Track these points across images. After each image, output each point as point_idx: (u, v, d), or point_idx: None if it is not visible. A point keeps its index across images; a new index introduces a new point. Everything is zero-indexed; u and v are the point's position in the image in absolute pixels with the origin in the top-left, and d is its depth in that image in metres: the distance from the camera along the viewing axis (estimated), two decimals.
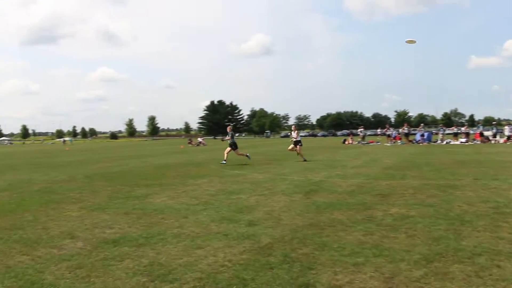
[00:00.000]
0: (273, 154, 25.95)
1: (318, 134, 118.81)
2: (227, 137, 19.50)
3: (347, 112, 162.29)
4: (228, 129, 20.04)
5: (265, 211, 7.84)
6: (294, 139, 20.16)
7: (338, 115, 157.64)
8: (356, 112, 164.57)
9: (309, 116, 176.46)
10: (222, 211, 7.89)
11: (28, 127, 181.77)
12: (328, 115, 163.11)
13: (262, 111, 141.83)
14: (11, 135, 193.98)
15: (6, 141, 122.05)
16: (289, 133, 72.57)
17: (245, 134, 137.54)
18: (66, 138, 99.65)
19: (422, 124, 47.12)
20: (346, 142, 44.16)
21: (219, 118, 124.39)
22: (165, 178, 13.55)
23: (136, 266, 4.87)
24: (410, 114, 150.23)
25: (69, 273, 4.71)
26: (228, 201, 8.93)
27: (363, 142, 42.25)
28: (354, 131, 58.02)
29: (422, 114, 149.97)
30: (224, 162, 18.68)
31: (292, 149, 20.34)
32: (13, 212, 8.44)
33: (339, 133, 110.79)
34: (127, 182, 12.63)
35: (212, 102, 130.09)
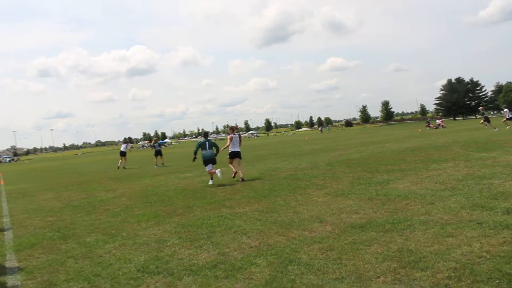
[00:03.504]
0: None
1: None
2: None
3: None
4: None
5: None
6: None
7: None
8: None
9: None
10: (473, 197, 7.27)
11: (270, 120, 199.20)
12: None
13: (510, 84, 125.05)
14: (257, 128, 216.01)
15: (254, 135, 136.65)
16: None
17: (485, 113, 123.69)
18: (323, 127, 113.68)
19: None
20: None
21: (458, 97, 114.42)
22: (406, 163, 13.19)
23: (385, 251, 4.86)
24: None
25: (321, 254, 4.99)
26: (478, 187, 8.19)
27: None
28: None
29: None
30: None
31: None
32: (266, 197, 9.37)
33: None
34: (367, 168, 12.73)
35: (449, 81, 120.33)
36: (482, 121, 32.10)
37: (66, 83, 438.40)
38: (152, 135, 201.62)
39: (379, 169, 12.21)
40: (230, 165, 13.50)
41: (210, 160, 13.00)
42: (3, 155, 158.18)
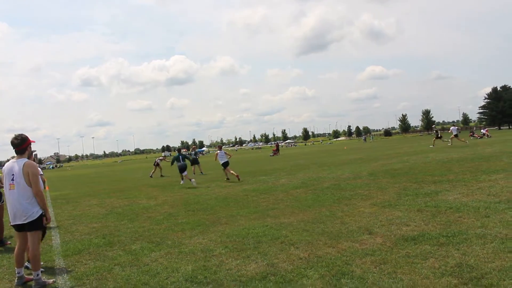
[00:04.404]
0: None
1: None
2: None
3: None
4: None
5: None
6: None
7: None
8: None
9: None
10: None
11: (308, 129, 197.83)
12: None
13: None
14: (294, 137, 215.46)
15: (291, 144, 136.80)
16: None
17: None
18: (366, 136, 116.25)
19: None
20: None
21: (504, 105, 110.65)
22: (453, 173, 12.73)
23: (443, 266, 4.65)
24: None
25: (375, 268, 4.81)
26: None
27: None
28: None
29: None
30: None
31: None
32: (311, 207, 9.21)
33: None
34: (413, 179, 12.36)
35: (495, 89, 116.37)
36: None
37: (108, 92, 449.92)
38: (190, 143, 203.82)
39: (426, 180, 11.82)
40: (224, 172, 18.58)
41: (183, 169, 17.95)
42: (47, 162, 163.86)
